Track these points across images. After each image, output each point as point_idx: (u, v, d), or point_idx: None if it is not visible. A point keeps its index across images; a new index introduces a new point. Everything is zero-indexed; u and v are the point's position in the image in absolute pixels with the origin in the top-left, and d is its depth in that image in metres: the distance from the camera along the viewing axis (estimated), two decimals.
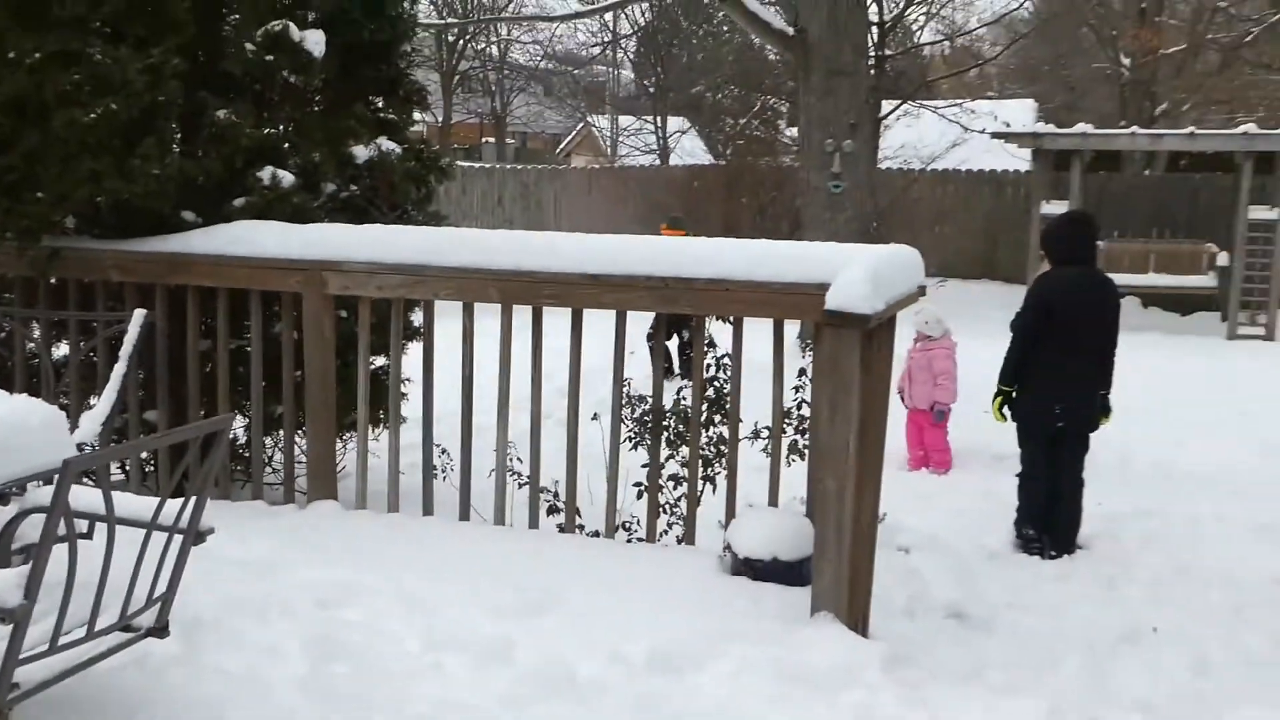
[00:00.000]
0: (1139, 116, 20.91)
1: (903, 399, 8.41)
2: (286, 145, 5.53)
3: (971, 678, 4.39)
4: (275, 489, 5.92)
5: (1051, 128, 16.73)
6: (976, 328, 11.42)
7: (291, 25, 5.39)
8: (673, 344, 11.58)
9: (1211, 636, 5.27)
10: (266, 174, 5.32)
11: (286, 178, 5.34)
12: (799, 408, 5.42)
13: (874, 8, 19.53)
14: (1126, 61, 21.61)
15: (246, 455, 5.72)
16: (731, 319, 4.70)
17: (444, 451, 5.56)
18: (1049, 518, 6.59)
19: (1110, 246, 16.42)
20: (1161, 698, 4.51)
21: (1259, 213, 15.68)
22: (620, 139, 27.73)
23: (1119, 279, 15.50)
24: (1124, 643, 5.14)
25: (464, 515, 5.20)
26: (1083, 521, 6.66)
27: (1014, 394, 6.58)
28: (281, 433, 5.62)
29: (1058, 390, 6.50)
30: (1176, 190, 18.76)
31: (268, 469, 5.91)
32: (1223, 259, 16.09)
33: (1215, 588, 5.95)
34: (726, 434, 4.99)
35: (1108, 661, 4.89)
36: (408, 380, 5.80)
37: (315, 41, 5.46)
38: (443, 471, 5.57)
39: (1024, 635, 5.18)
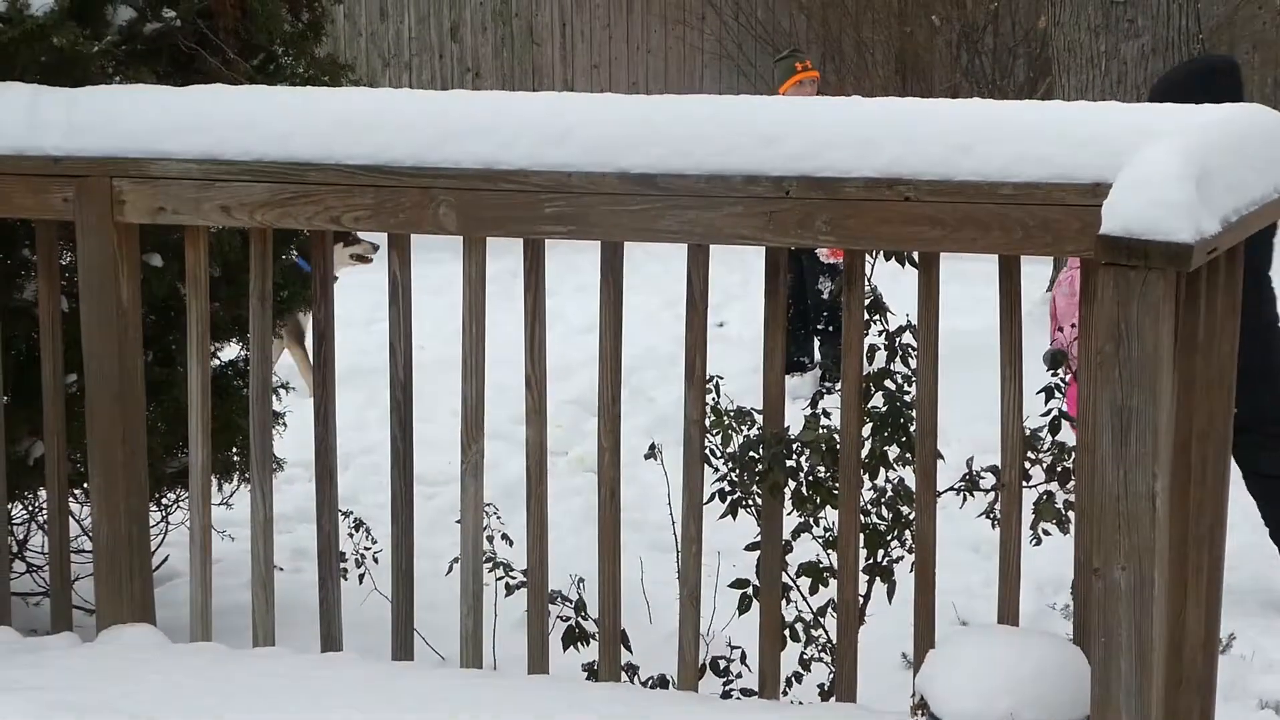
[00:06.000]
0: None
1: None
2: None
3: None
4: (37, 606, 3.27)
5: None
6: None
7: None
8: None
9: None
10: None
11: None
12: (1053, 429, 2.92)
13: None
14: None
15: None
16: (915, 257, 2.66)
17: (359, 525, 3.17)
18: None
19: None
20: None
21: None
22: None
23: None
24: None
25: (402, 651, 2.73)
26: None
27: None
28: (44, 492, 3.00)
29: None
30: None
31: (17, 562, 3.28)
32: None
33: None
34: (912, 483, 2.79)
35: None
36: (285, 388, 3.56)
37: None
38: (359, 564, 3.16)
39: None
